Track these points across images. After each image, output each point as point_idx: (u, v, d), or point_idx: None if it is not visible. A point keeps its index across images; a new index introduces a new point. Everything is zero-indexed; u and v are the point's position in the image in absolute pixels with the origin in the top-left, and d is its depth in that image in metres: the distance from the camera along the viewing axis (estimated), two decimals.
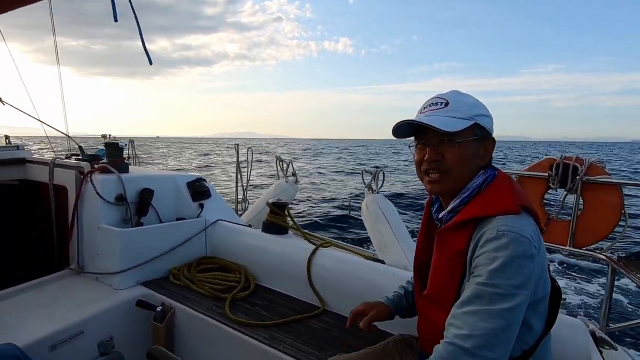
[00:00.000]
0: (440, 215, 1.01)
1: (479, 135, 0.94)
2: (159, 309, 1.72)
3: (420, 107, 0.99)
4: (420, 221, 1.15)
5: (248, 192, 4.45)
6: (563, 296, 4.13)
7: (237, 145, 4.46)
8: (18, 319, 1.55)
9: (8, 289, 1.77)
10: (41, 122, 3.07)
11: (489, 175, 0.95)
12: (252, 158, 4.35)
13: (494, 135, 0.98)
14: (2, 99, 3.15)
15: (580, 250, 2.31)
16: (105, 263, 1.91)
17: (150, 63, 1.22)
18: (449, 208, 0.97)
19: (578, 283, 4.64)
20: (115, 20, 1.11)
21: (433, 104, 0.96)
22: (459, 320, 0.82)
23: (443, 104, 0.94)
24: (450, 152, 0.92)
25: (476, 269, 0.84)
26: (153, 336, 1.73)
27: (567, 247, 2.36)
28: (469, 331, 0.79)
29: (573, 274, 4.86)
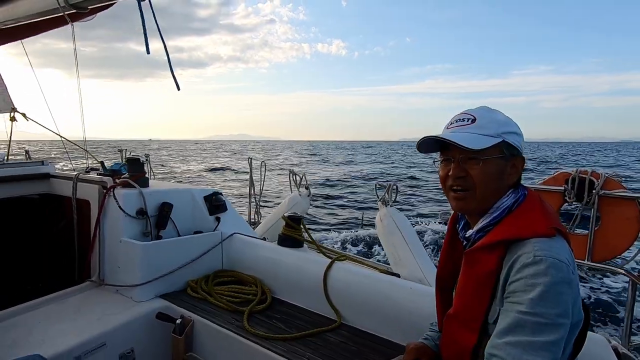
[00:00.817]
0: (468, 234, 0.99)
1: (506, 153, 0.92)
2: (178, 321, 1.75)
3: (448, 122, 0.99)
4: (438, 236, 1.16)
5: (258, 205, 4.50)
6: None
7: (251, 159, 4.53)
8: (42, 331, 1.60)
9: (31, 302, 1.82)
10: (61, 137, 3.18)
11: (520, 195, 0.93)
12: (265, 172, 4.42)
13: None
14: (26, 115, 3.29)
15: (599, 265, 2.27)
16: (125, 276, 1.96)
17: (179, 89, 1.29)
18: (478, 227, 0.95)
19: (597, 298, 4.52)
20: (148, 53, 1.19)
21: (460, 119, 0.95)
22: (501, 351, 0.79)
23: (470, 120, 0.93)
24: (475, 169, 0.91)
25: (513, 296, 0.81)
26: (173, 348, 1.76)
27: (586, 262, 2.33)
28: None
29: (592, 288, 4.75)
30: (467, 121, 0.94)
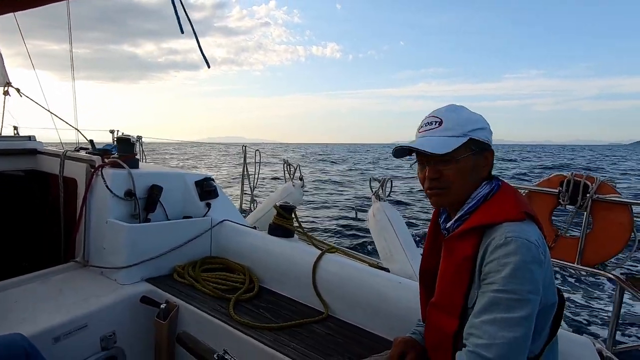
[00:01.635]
0: (448, 225, 1.03)
1: (475, 149, 0.97)
2: (163, 306, 1.71)
3: (419, 125, 1.04)
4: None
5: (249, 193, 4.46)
6: (569, 314, 4.08)
7: (245, 146, 4.47)
8: (23, 309, 1.55)
9: (13, 279, 1.78)
10: (51, 113, 3.11)
11: (494, 186, 0.99)
12: (260, 160, 4.37)
13: None
14: (20, 90, 3.21)
15: (588, 268, 2.28)
16: (111, 257, 1.92)
17: (209, 66, 1.28)
18: (456, 217, 1.00)
19: (584, 301, 4.58)
20: (182, 32, 1.16)
21: (428, 123, 1.00)
22: (478, 330, 0.84)
23: (437, 123, 0.98)
24: (448, 169, 0.97)
25: (488, 276, 0.86)
26: (156, 333, 1.73)
27: (575, 265, 2.34)
28: (489, 340, 0.81)
29: (579, 291, 4.81)
30: (435, 124, 0.99)
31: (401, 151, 1.04)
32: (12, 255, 2.38)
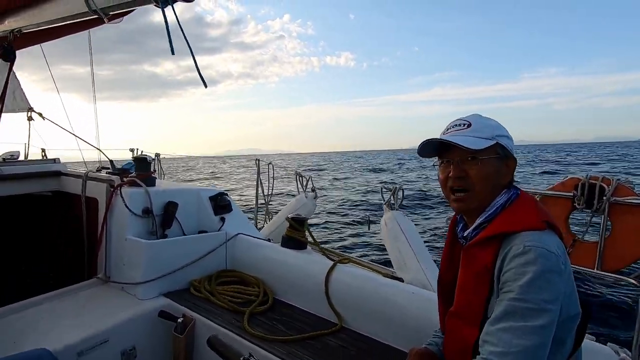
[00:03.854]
0: (466, 233, 1.03)
1: (501, 154, 0.97)
2: (179, 320, 1.76)
3: (444, 129, 1.03)
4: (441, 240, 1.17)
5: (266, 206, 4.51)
6: (591, 323, 3.92)
7: (258, 160, 4.55)
8: (49, 325, 1.63)
9: (40, 296, 1.86)
10: (75, 136, 3.26)
11: (513, 194, 0.98)
12: (273, 173, 4.43)
13: None
14: (43, 115, 3.38)
15: (609, 274, 2.21)
16: (130, 273, 1.98)
17: (205, 86, 1.33)
18: (474, 225, 0.99)
19: (606, 308, 4.40)
20: (173, 53, 1.22)
21: (457, 124, 1.00)
22: (493, 337, 0.83)
23: (466, 125, 0.99)
24: (474, 169, 0.96)
25: (505, 285, 0.85)
26: (173, 347, 1.77)
27: (595, 271, 2.27)
28: (505, 348, 0.80)
29: (600, 298, 4.62)
30: (463, 126, 0.99)
31: (427, 149, 1.04)
32: (39, 272, 2.49)
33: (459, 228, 1.08)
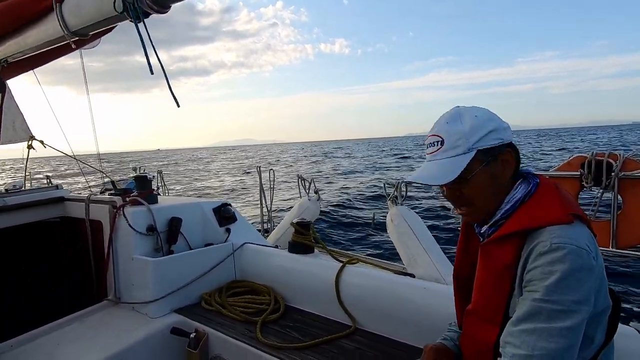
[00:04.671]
0: (483, 229, 0.98)
1: (489, 158, 0.89)
2: (192, 335, 1.75)
3: (425, 145, 0.99)
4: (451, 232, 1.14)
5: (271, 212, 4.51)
6: None
7: (260, 167, 4.55)
8: (64, 351, 1.63)
9: (53, 323, 1.86)
10: (76, 159, 3.27)
11: (532, 186, 0.91)
12: (274, 179, 4.43)
13: None
14: (44, 142, 3.39)
15: (625, 252, 2.16)
16: (140, 292, 1.98)
17: (178, 106, 1.33)
18: (491, 222, 0.94)
19: (626, 287, 4.30)
20: (151, 73, 1.22)
21: (431, 144, 0.94)
22: (516, 339, 0.79)
23: (439, 143, 0.92)
24: (465, 188, 0.92)
25: (530, 284, 0.80)
26: None
27: (611, 249, 2.22)
28: (528, 351, 0.76)
29: (619, 277, 4.53)
30: (437, 145, 0.92)
31: None
32: (52, 298, 2.49)
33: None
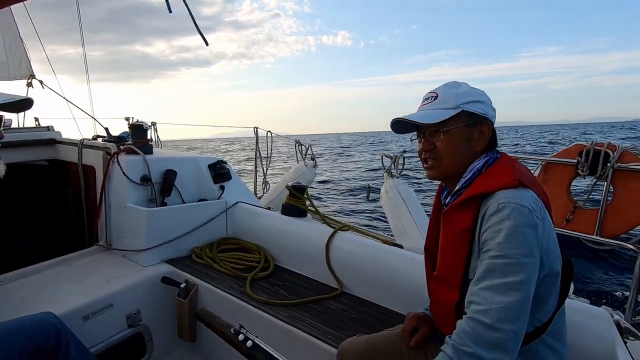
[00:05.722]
0: (447, 200, 1.05)
1: (469, 121, 0.98)
2: (182, 285, 1.78)
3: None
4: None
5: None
6: (588, 286, 4.02)
7: (257, 128, 4.48)
8: (52, 291, 1.65)
9: (42, 263, 1.88)
10: (67, 101, 3.17)
11: (490, 158, 0.99)
12: (272, 142, 4.38)
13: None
14: (43, 82, 3.30)
15: (607, 240, 2.22)
16: (132, 241, 1.99)
17: (207, 44, 1.27)
18: (453, 191, 1.02)
19: (604, 273, 4.50)
20: (170, 12, 1.15)
21: (426, 98, 1.04)
22: (477, 297, 0.85)
23: (433, 97, 1.02)
24: (440, 140, 1.00)
25: (485, 244, 0.87)
26: (177, 311, 1.81)
27: (594, 237, 2.28)
28: (487, 306, 0.82)
29: (598, 263, 4.71)
30: (431, 99, 1.02)
31: (399, 126, 1.08)
32: (41, 241, 2.50)
33: (444, 195, 1.10)
